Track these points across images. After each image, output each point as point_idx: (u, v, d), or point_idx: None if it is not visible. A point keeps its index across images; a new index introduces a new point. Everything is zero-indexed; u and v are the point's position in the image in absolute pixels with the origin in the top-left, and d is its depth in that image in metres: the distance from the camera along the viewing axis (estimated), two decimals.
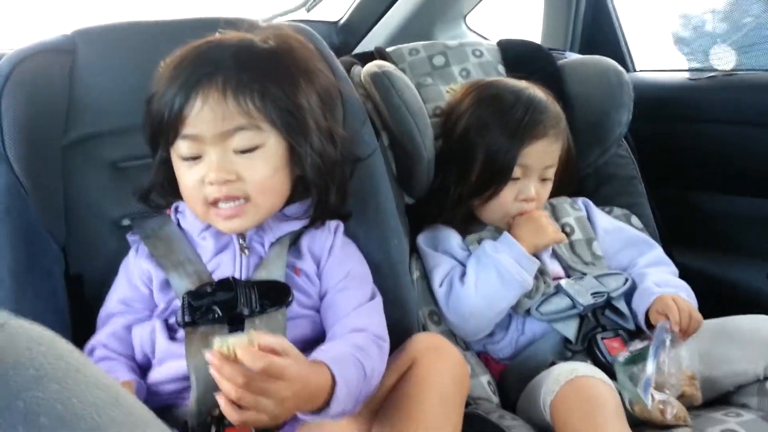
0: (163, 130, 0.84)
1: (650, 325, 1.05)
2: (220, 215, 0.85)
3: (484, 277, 1.06)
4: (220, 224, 0.86)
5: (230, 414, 0.67)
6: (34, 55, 0.96)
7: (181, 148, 0.84)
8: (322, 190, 0.90)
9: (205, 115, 0.81)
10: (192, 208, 0.88)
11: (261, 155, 0.84)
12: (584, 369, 0.91)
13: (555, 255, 1.16)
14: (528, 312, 1.07)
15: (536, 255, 1.10)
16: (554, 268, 1.14)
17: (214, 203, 0.84)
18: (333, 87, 0.95)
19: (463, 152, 1.14)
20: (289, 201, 0.92)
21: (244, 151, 0.83)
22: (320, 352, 0.78)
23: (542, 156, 1.12)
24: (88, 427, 0.34)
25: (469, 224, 1.17)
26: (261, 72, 0.83)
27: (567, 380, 0.88)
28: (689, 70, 1.55)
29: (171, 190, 0.91)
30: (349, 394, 0.75)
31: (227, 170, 0.82)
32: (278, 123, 0.84)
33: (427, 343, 0.89)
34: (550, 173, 1.15)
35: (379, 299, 0.92)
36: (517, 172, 1.11)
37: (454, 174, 1.15)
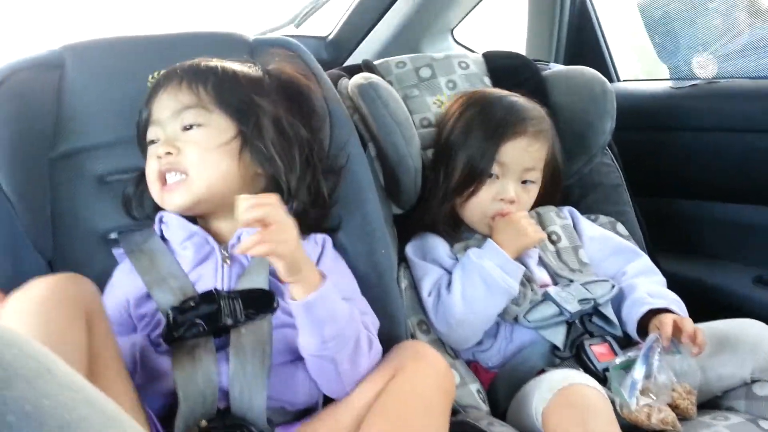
0: (141, 128, 0.95)
1: (643, 334, 1.05)
2: (164, 191, 0.91)
3: (470, 284, 1.06)
4: (166, 202, 0.91)
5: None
6: (21, 70, 0.97)
7: (148, 135, 0.94)
8: (291, 190, 0.92)
9: (163, 101, 0.92)
10: (153, 194, 0.94)
11: (203, 132, 0.91)
12: (577, 377, 0.91)
13: (542, 262, 1.16)
14: (516, 319, 1.08)
15: (524, 263, 1.10)
16: (541, 275, 1.14)
17: (163, 180, 0.91)
18: (309, 96, 1.02)
19: (448, 154, 1.17)
20: None
21: (189, 128, 0.91)
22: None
23: (521, 155, 1.13)
24: (57, 425, 0.34)
25: (456, 232, 1.17)
26: (224, 75, 0.93)
27: (560, 388, 0.88)
28: (672, 78, 1.57)
29: (147, 199, 0.97)
30: (330, 306, 0.81)
31: (171, 144, 0.90)
32: (227, 107, 0.91)
33: (412, 351, 0.89)
34: (532, 176, 1.16)
35: (375, 321, 0.93)
36: (495, 169, 1.12)
37: (440, 175, 1.17)
